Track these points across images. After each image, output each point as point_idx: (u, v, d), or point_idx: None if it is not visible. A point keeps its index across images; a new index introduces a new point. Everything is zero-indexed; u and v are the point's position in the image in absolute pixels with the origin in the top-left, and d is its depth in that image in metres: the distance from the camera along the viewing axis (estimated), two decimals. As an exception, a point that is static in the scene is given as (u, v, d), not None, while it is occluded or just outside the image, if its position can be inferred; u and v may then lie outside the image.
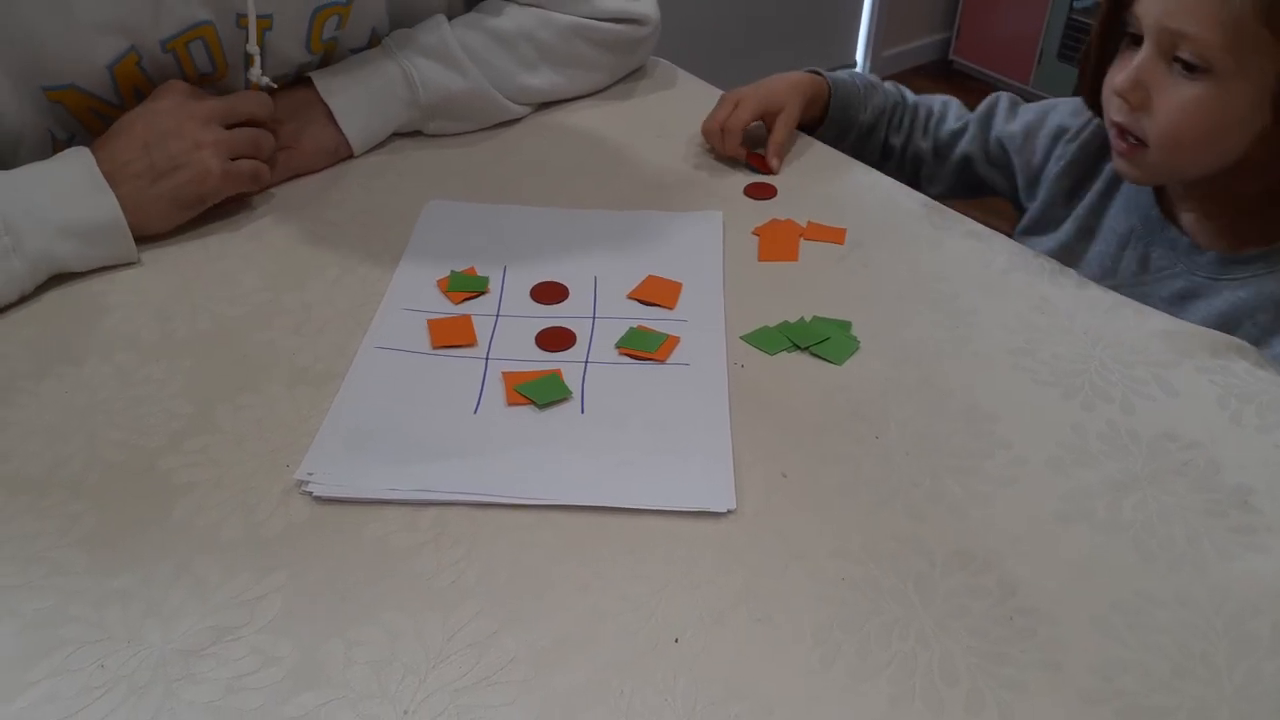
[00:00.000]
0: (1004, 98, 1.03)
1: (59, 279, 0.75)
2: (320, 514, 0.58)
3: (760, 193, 0.88)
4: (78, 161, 0.75)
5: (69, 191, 0.74)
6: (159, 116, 0.78)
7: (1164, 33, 0.76)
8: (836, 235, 0.82)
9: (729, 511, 0.58)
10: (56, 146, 0.81)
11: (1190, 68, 0.75)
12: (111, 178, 0.75)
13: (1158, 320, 0.73)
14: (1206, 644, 0.51)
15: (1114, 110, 0.82)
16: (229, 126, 0.81)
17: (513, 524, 0.57)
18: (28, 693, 0.48)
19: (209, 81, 0.84)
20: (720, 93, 0.97)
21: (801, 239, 0.82)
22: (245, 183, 0.82)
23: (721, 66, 0.89)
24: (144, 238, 0.78)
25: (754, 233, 0.83)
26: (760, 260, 0.79)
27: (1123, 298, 0.76)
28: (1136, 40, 0.79)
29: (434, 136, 0.95)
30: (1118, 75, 0.80)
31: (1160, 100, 0.78)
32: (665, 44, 1.07)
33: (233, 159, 0.80)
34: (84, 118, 0.82)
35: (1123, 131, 0.82)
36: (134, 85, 0.81)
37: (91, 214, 0.74)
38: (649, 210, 0.86)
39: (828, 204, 0.87)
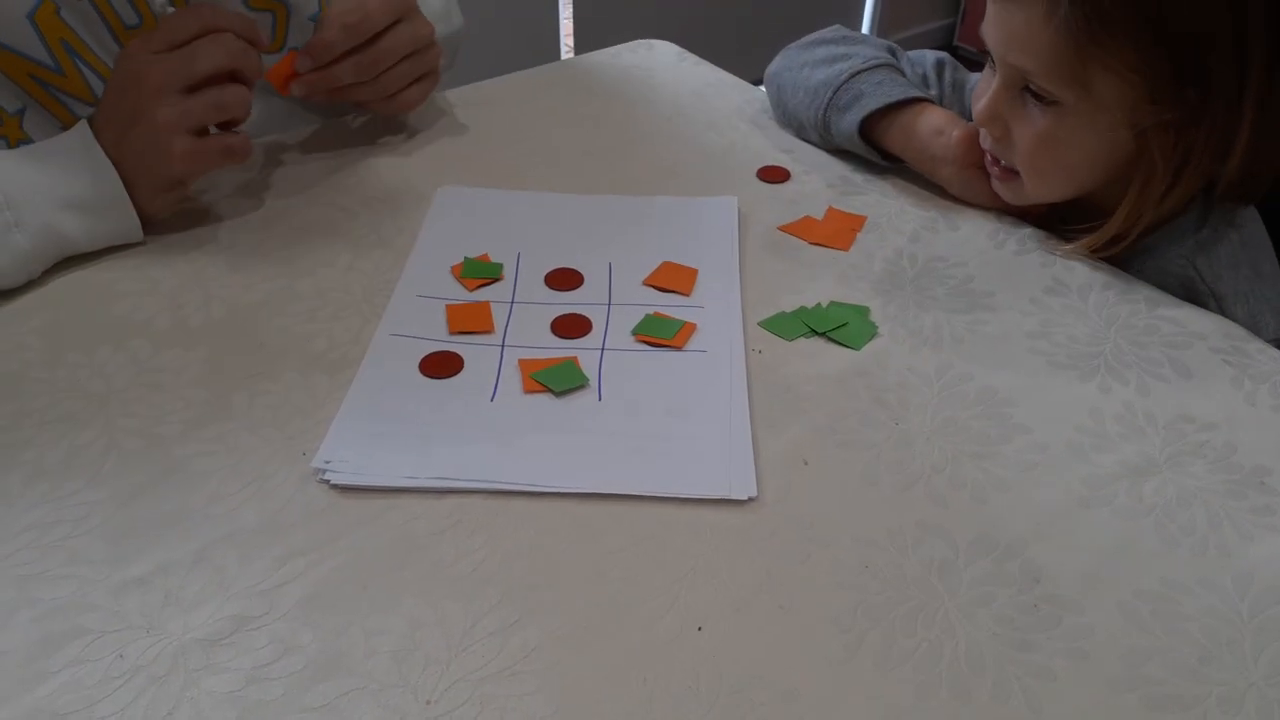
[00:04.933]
0: (948, 67, 0.94)
1: (68, 267, 0.74)
2: (338, 502, 0.57)
3: (773, 176, 0.88)
4: (75, 136, 0.74)
5: (67, 165, 0.73)
6: (124, 88, 0.73)
7: (1006, 65, 0.73)
8: (855, 223, 0.82)
9: (750, 499, 0.57)
10: (6, 122, 0.79)
11: (1040, 98, 0.72)
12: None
13: (1171, 300, 0.73)
14: (1233, 630, 0.51)
15: (982, 135, 0.80)
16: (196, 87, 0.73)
17: (532, 512, 0.57)
18: (48, 682, 0.48)
19: (138, 35, 0.79)
20: (729, 76, 0.95)
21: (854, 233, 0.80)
22: (216, 160, 0.76)
23: (726, 49, 0.89)
24: (151, 226, 0.77)
25: (786, 229, 0.81)
26: (812, 243, 0.79)
27: (1134, 280, 0.75)
28: None
29: (445, 125, 0.94)
30: (978, 100, 0.77)
31: (1017, 131, 0.75)
32: (670, 28, 1.07)
33: (201, 131, 0.74)
34: (26, 85, 0.78)
35: (995, 158, 0.80)
36: (61, 39, 0.78)
37: (92, 186, 0.73)
38: (663, 195, 0.85)
39: (842, 187, 0.86)
